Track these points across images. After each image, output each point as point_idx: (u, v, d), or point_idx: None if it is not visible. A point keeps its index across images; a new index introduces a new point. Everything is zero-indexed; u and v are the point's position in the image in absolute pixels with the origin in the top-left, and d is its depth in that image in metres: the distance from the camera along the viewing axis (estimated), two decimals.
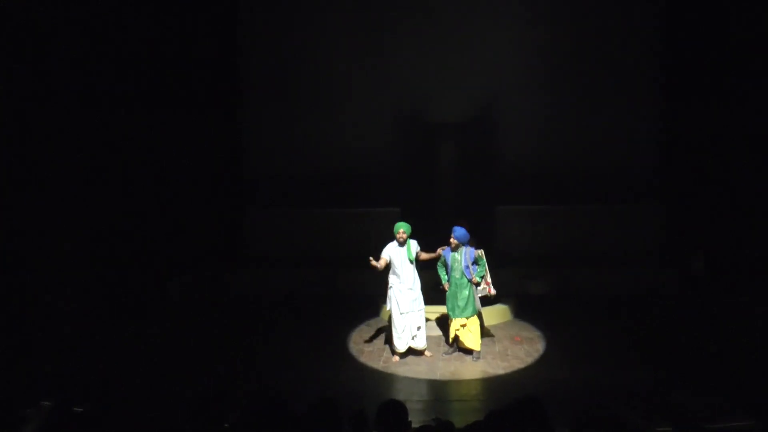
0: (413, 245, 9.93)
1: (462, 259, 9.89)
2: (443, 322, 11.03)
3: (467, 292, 9.94)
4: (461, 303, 9.95)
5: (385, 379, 9.53)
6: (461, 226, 10.02)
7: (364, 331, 11.54)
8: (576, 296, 13.18)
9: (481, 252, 10.08)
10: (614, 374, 9.29)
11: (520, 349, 10.53)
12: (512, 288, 12.93)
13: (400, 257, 9.83)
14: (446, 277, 10.08)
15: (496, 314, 11.89)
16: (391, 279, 9.95)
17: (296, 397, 6.56)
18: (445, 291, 10.08)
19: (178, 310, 12.76)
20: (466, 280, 9.93)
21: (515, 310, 12.31)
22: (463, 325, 10.02)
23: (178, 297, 13.38)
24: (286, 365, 9.96)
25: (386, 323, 11.51)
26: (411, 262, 9.85)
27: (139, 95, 13.06)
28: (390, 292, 9.98)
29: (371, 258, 9.75)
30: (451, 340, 10.25)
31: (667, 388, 8.58)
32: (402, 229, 9.82)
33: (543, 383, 9.11)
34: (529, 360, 10.09)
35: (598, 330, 11.25)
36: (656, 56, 14.43)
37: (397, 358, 10.07)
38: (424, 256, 10.05)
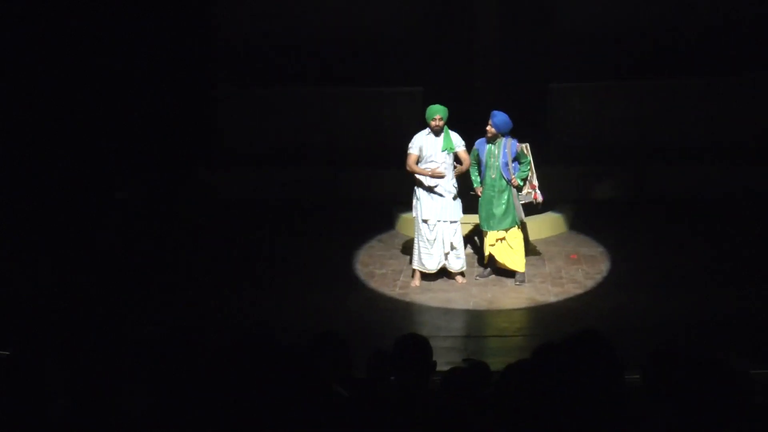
0: (454, 137, 10.06)
1: (500, 154, 9.95)
2: (475, 237, 11.27)
3: (506, 198, 10.04)
4: (498, 211, 10.03)
5: (402, 309, 9.81)
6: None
7: (376, 248, 11.82)
8: (653, 201, 13.37)
9: (525, 146, 10.20)
10: (701, 302, 9.48)
11: (577, 270, 10.74)
12: (569, 191, 13.14)
13: (433, 149, 9.96)
14: (479, 178, 10.22)
15: (547, 225, 12.09)
16: (420, 177, 10.07)
17: (291, 332, 6.81)
18: (478, 197, 10.24)
19: (134, 219, 13.14)
20: (504, 182, 10.03)
21: (572, 219, 12.48)
22: (501, 239, 10.17)
23: (132, 203, 13.81)
24: (276, 292, 10.21)
25: (404, 237, 11.91)
26: (449, 154, 9.96)
27: None
28: (417, 194, 10.13)
29: (428, 171, 9.89)
30: (486, 260, 10.52)
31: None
32: (438, 114, 9.89)
33: (607, 313, 9.36)
34: (588, 284, 10.31)
35: (681, 245, 11.44)
36: None
37: (417, 282, 10.32)
38: (465, 160, 10.07)
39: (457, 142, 10.07)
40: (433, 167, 9.95)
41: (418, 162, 10.04)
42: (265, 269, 11.09)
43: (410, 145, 10.08)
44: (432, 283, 10.33)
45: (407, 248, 11.21)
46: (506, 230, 10.10)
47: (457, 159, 10.14)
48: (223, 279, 10.76)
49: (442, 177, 9.91)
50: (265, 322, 8.98)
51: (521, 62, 14.14)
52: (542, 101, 14.48)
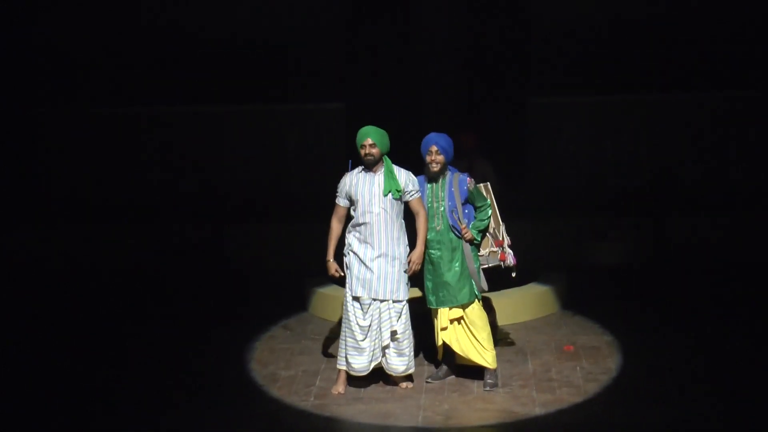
0: (403, 176, 9.88)
1: (446, 196, 9.96)
2: (422, 319, 11.14)
3: (458, 259, 10.02)
4: (450, 278, 9.97)
5: (320, 428, 9.58)
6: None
7: (280, 339, 11.84)
8: (678, 264, 13.71)
9: (483, 187, 10.19)
10: (749, 414, 9.37)
11: (573, 369, 10.73)
12: (560, 252, 13.56)
13: (369, 193, 9.85)
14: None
15: (530, 303, 12.21)
16: (350, 236, 9.99)
17: None
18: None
19: None
20: (454, 236, 10.00)
21: (564, 294, 12.62)
22: (457, 320, 10.12)
23: None
24: (130, 406, 9.99)
25: (321, 323, 11.95)
26: (395, 200, 9.77)
27: None
28: (346, 260, 10.04)
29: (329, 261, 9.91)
30: (439, 354, 10.42)
31: None
32: (369, 137, 9.77)
33: None
34: (590, 388, 10.19)
35: (721, 326, 11.66)
36: None
37: (341, 387, 10.17)
38: (419, 213, 9.90)
39: (408, 184, 9.87)
40: (367, 220, 9.76)
41: (349, 216, 9.88)
42: (115, 372, 10.86)
43: (337, 189, 9.94)
44: (363, 390, 10.16)
45: (327, 338, 11.18)
46: (463, 307, 10.01)
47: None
48: (49, 389, 10.44)
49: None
50: None
51: (485, 65, 14.25)
52: (517, 122, 14.70)
